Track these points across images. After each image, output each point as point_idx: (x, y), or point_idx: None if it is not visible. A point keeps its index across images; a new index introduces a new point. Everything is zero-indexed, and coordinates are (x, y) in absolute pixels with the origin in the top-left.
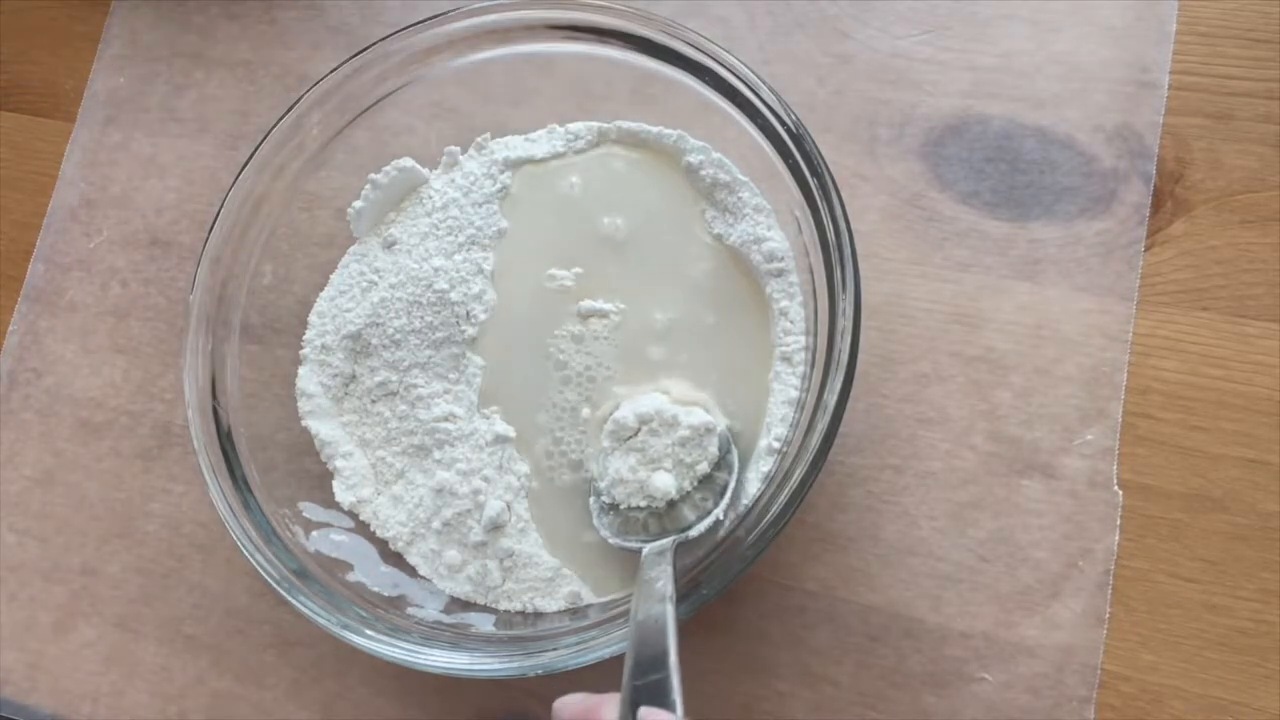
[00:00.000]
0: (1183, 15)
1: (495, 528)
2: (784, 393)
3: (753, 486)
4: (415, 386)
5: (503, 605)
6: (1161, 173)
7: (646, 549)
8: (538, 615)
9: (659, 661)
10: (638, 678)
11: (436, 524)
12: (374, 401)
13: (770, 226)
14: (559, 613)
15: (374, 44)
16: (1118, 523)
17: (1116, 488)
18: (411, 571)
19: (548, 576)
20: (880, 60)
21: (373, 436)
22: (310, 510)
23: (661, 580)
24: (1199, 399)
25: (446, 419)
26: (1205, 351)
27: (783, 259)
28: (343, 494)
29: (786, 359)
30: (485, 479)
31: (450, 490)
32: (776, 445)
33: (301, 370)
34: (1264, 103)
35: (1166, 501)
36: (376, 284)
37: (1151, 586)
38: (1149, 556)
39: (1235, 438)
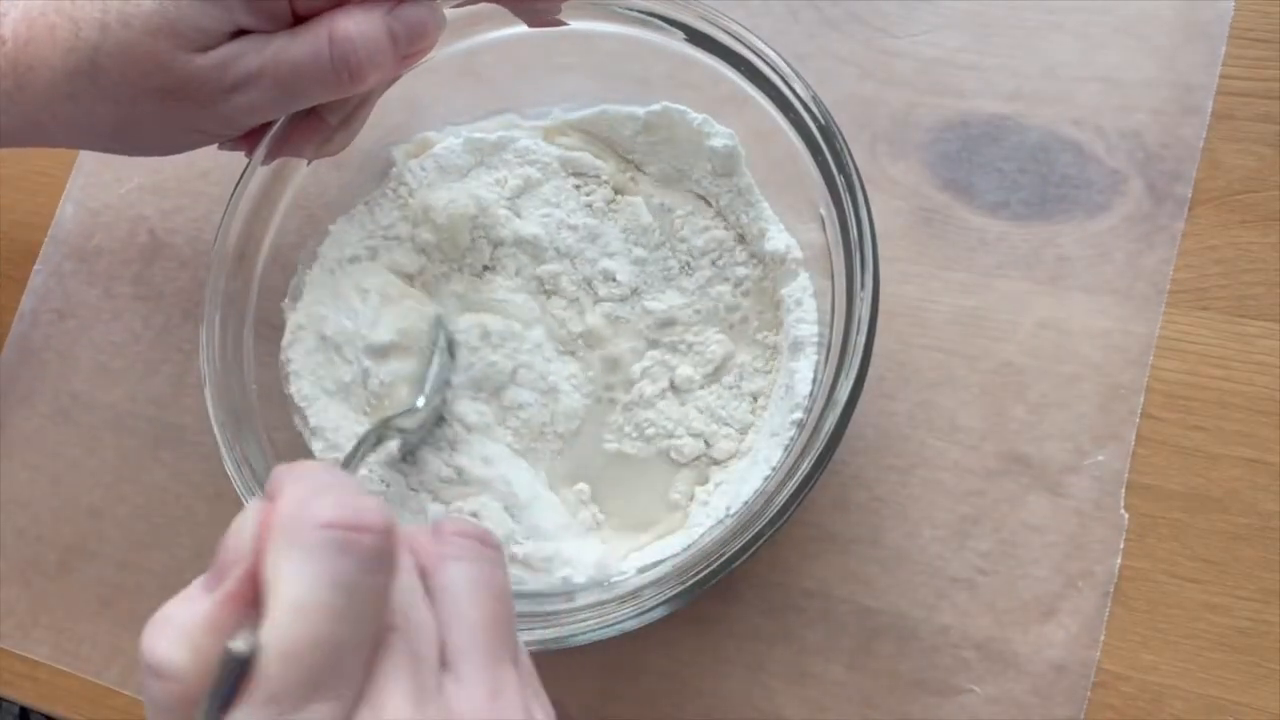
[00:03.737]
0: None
1: None
2: (793, 388)
3: (756, 479)
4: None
5: None
6: (1162, 173)
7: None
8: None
9: None
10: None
11: None
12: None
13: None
14: (552, 595)
15: None
16: (1120, 546)
17: (1123, 510)
18: None
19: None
20: (921, 65)
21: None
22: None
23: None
24: (1199, 399)
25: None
26: (1205, 351)
27: (797, 255)
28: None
29: (799, 351)
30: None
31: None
32: (782, 439)
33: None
34: (1264, 103)
35: (1166, 501)
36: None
37: (1151, 586)
38: (1149, 556)
39: (1235, 438)
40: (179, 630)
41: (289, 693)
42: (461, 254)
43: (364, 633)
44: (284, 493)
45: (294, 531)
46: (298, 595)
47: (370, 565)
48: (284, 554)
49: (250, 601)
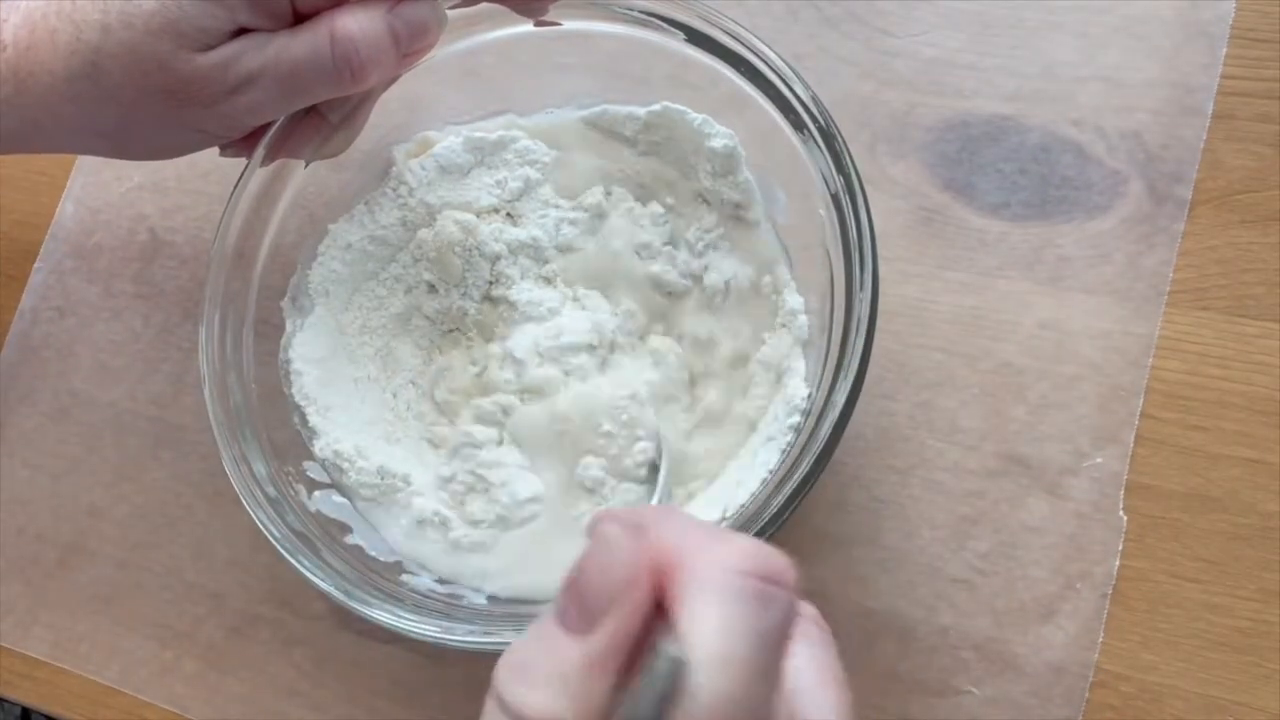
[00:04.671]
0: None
1: None
2: (792, 387)
3: (754, 481)
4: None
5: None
6: (1162, 174)
7: None
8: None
9: None
10: None
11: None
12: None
13: None
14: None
15: None
16: (1119, 548)
17: (1122, 513)
18: None
19: None
20: (921, 65)
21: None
22: (314, 470)
23: None
24: (1199, 399)
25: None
26: (1205, 351)
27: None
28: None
29: (798, 351)
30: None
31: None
32: (780, 441)
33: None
34: (1264, 103)
35: (1166, 501)
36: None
37: (1151, 586)
38: (1149, 556)
39: (1235, 438)
40: (552, 678)
41: None
42: (461, 277)
43: (770, 694)
44: (677, 538)
45: (714, 579)
46: (725, 648)
47: (785, 620)
48: (704, 600)
49: (632, 645)
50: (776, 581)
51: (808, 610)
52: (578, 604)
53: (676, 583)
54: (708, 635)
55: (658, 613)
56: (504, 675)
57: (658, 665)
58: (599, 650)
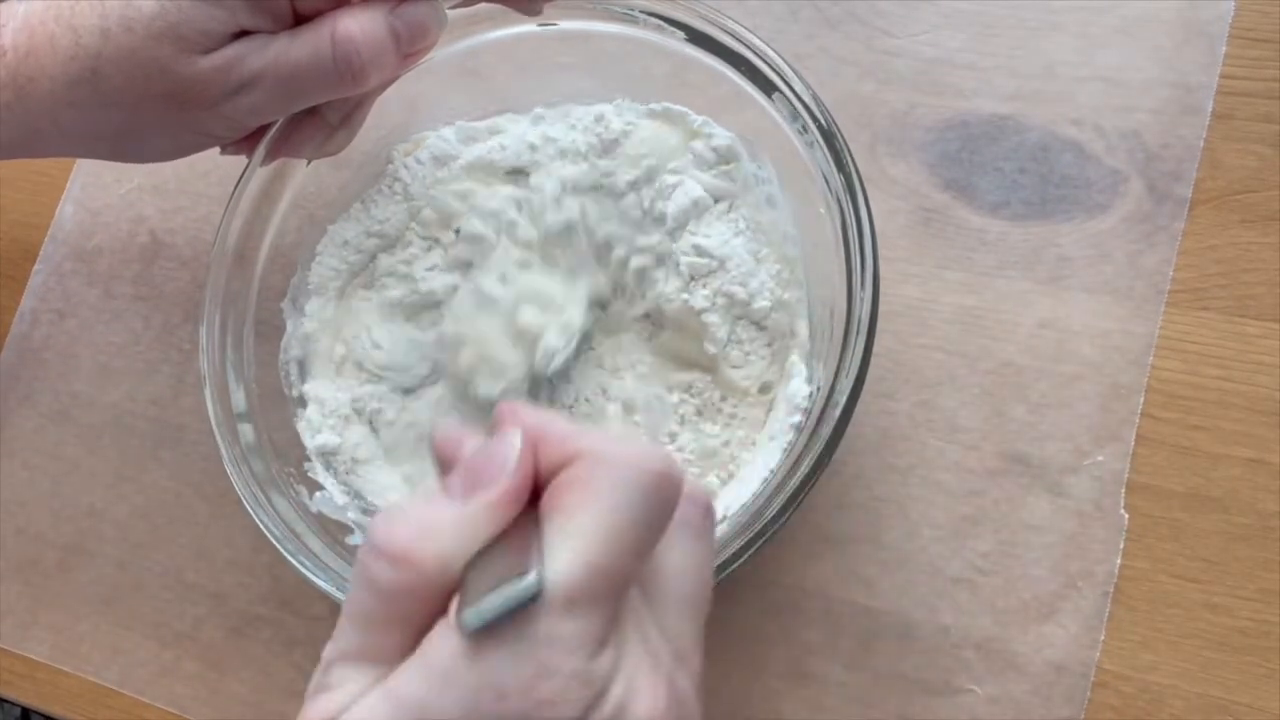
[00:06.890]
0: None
1: None
2: (792, 389)
3: (755, 480)
4: None
5: None
6: (1162, 173)
7: None
8: None
9: None
10: None
11: None
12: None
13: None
14: None
15: None
16: (1120, 546)
17: (1123, 511)
18: None
19: None
20: (921, 65)
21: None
22: (314, 470)
23: None
24: (1199, 399)
25: None
26: (1205, 351)
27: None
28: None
29: (798, 352)
30: None
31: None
32: (781, 441)
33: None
34: (1264, 103)
35: (1166, 501)
36: None
37: (1151, 586)
38: (1149, 556)
39: (1235, 437)
40: (424, 526)
41: (582, 604)
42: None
43: (638, 572)
44: (587, 436)
45: (619, 467)
46: (617, 523)
47: (668, 512)
48: (608, 482)
49: (507, 517)
50: (672, 476)
51: (704, 495)
52: (464, 478)
53: (589, 467)
54: (601, 508)
55: (532, 505)
56: (379, 517)
57: (515, 583)
58: (469, 514)
